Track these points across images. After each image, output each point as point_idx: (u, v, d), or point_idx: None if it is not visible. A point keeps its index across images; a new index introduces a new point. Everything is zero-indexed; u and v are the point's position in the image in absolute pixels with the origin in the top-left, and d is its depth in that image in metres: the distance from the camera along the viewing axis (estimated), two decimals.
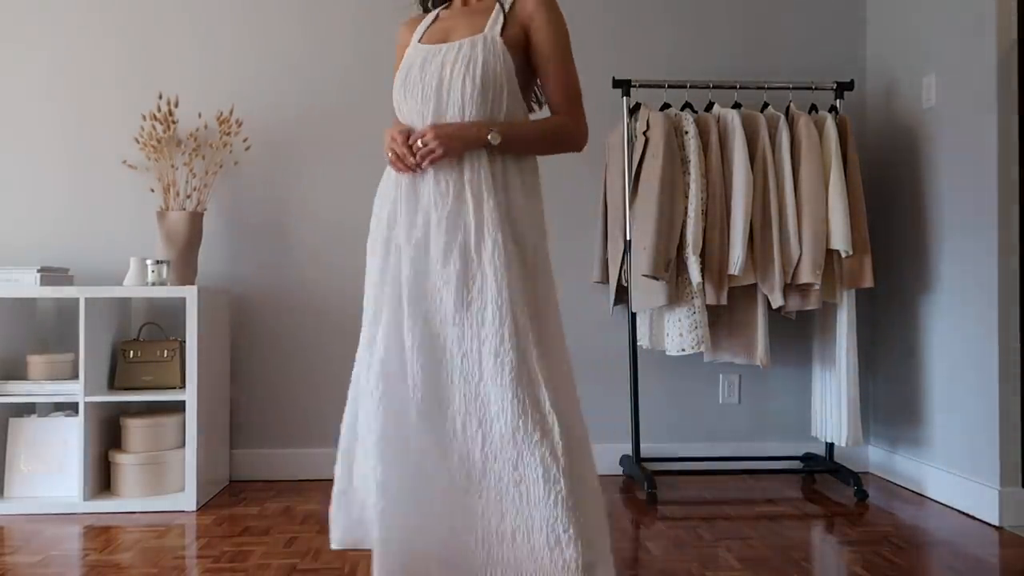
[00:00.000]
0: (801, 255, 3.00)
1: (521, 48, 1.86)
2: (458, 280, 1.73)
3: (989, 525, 2.69)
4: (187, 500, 2.87)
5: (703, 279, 3.00)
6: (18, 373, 3.04)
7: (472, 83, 1.76)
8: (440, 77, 1.79)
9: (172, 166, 3.22)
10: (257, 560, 2.35)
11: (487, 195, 1.76)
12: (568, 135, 1.89)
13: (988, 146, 2.75)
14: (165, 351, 3.01)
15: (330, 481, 1.90)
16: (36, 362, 2.92)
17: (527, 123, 1.86)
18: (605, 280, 3.32)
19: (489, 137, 1.77)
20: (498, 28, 1.83)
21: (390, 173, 1.87)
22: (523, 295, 1.73)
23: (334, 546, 1.89)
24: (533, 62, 1.89)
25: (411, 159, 1.78)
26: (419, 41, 1.91)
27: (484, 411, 1.70)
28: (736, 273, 2.99)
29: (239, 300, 3.33)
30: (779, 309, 3.11)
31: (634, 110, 3.17)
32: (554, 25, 1.87)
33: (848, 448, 3.26)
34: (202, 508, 2.90)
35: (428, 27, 1.94)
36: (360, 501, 1.84)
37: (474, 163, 1.79)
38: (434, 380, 1.73)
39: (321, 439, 3.30)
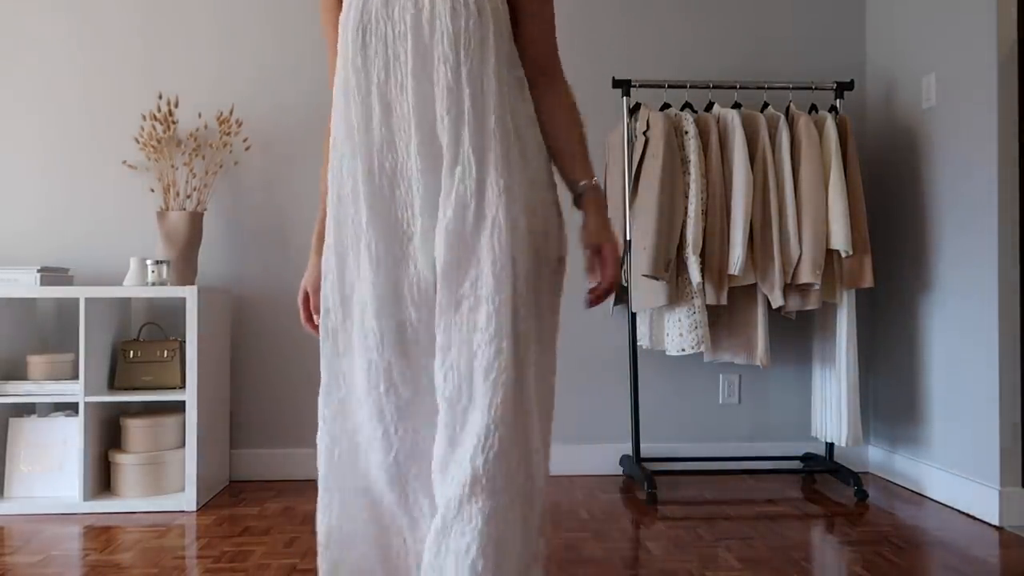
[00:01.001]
0: (801, 255, 3.00)
1: None
2: (446, 273, 1.36)
3: (989, 525, 2.69)
4: (187, 500, 2.87)
5: (703, 279, 3.00)
6: (18, 373, 3.04)
7: (466, 8, 1.35)
8: (418, 6, 1.36)
9: (172, 166, 3.22)
10: (257, 560, 2.35)
11: (492, 175, 1.36)
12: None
13: (988, 146, 2.75)
14: (165, 351, 3.01)
15: None
16: (36, 362, 2.92)
17: (581, 136, 1.50)
18: None
19: (593, 182, 1.47)
20: None
21: (352, 146, 1.41)
22: (527, 295, 1.38)
23: None
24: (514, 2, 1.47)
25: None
26: None
27: (468, 439, 1.31)
28: (736, 273, 2.99)
29: (239, 300, 3.33)
30: (779, 309, 3.11)
31: (634, 110, 3.17)
32: None
33: (848, 448, 3.26)
34: (202, 508, 2.90)
35: None
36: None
37: (481, 143, 1.36)
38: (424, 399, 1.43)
39: None
